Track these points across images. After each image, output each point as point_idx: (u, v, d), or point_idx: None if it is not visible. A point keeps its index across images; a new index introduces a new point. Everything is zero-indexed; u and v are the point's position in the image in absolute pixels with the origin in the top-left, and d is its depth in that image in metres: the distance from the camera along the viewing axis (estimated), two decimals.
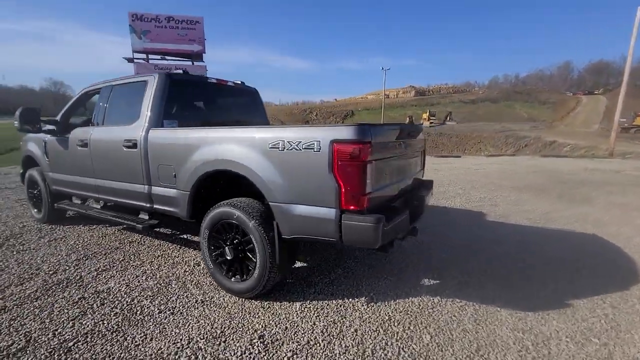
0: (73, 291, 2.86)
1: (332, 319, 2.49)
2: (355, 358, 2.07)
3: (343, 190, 2.15)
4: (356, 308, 2.65)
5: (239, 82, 4.25)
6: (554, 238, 4.41)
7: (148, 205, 3.28)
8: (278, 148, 2.36)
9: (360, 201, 2.16)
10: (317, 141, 2.20)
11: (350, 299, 2.78)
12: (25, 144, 4.74)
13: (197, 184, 2.82)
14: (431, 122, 50.26)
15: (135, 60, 23.85)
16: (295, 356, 2.08)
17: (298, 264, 3.45)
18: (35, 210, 4.80)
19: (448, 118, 56.11)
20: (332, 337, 2.27)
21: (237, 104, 4.27)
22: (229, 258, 2.73)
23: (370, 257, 3.70)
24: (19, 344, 2.17)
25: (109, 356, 2.06)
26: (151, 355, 2.07)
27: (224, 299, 2.75)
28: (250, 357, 2.06)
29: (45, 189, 4.46)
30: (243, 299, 2.74)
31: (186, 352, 2.10)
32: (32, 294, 2.79)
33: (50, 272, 3.21)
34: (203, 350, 2.13)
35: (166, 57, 25.08)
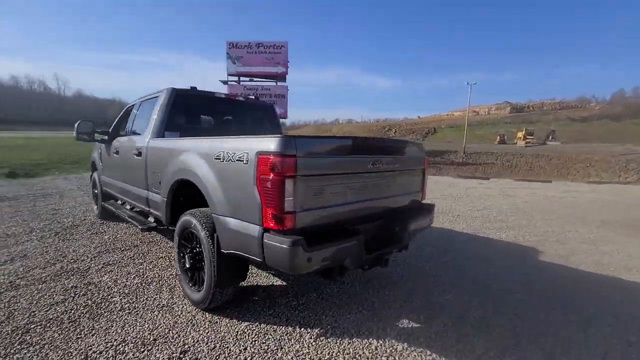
0: (73, 280, 3.23)
1: (266, 347, 2.27)
2: None
3: (264, 206, 1.97)
4: (301, 340, 2.37)
5: (252, 97, 4.39)
6: (622, 293, 3.34)
7: (147, 208, 3.56)
8: (220, 159, 2.31)
9: (281, 220, 1.95)
10: (247, 153, 2.09)
11: (302, 329, 2.51)
12: (93, 151, 5.68)
13: (171, 190, 2.95)
14: (527, 142, 44.28)
15: (229, 83, 27.14)
16: None
17: (278, 282, 3.30)
18: (95, 207, 5.68)
19: (550, 137, 48.75)
20: None
21: (249, 118, 4.40)
22: (187, 266, 2.75)
23: (357, 285, 3.32)
24: (1, 318, 2.52)
25: (50, 344, 2.24)
26: (79, 349, 2.18)
27: (183, 308, 2.77)
28: None
29: (99, 189, 5.25)
30: (198, 310, 2.72)
31: (109, 353, 2.15)
32: (43, 278, 3.25)
33: (71, 261, 3.70)
34: (124, 354, 2.15)
35: (254, 78, 27.90)
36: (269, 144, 1.95)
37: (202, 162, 2.49)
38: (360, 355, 2.23)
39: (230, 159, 2.21)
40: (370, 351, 2.28)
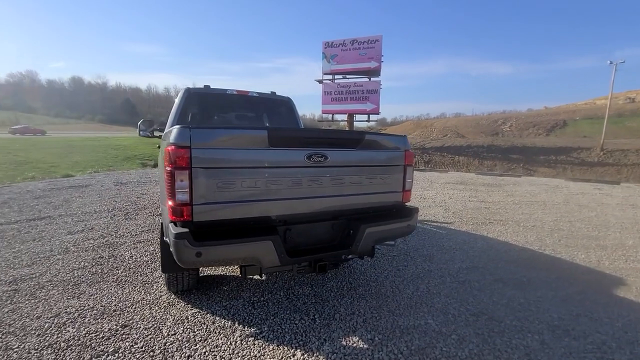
0: (106, 251, 3.89)
1: (193, 336, 2.30)
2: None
3: (167, 197, 1.98)
4: (229, 336, 2.32)
5: (268, 92, 4.45)
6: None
7: None
8: (160, 151, 2.43)
9: (178, 212, 1.93)
10: (165, 143, 2.13)
11: (240, 326, 2.45)
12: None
13: None
14: None
15: (324, 81, 28.25)
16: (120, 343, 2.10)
17: (263, 277, 3.29)
18: None
19: None
20: (169, 343, 2.13)
21: (265, 113, 4.46)
22: None
23: (341, 292, 3.05)
24: (38, 273, 3.23)
25: (45, 299, 2.76)
26: (58, 308, 2.62)
27: (161, 288, 3.03)
28: (97, 335, 2.25)
29: None
30: (170, 292, 2.93)
31: (75, 315, 2.52)
32: (88, 247, 4.00)
33: (118, 236, 4.46)
34: (83, 318, 2.48)
35: (347, 76, 28.31)
36: (171, 135, 1.95)
37: (160, 156, 2.66)
38: (273, 355, 2.05)
39: (161, 151, 2.31)
40: (290, 345, 2.07)
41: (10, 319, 2.45)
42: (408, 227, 2.65)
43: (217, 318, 2.55)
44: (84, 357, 2.06)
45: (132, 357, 2.07)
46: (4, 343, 2.18)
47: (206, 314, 2.60)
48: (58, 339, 2.22)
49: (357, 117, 31.26)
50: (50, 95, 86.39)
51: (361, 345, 2.27)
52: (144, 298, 2.82)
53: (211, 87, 4.15)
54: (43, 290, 2.90)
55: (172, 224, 1.99)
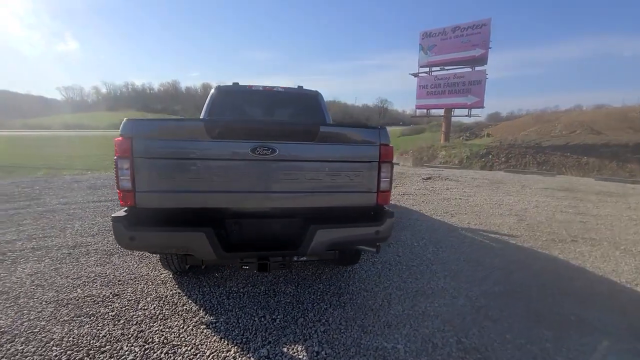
0: None
1: (155, 314, 2.48)
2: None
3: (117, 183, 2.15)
4: (185, 321, 2.42)
5: (296, 87, 4.42)
6: None
7: None
8: None
9: (123, 197, 2.09)
10: None
11: (203, 313, 2.53)
12: None
13: None
14: None
15: (419, 75, 26.76)
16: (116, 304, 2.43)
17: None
18: None
19: None
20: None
21: (291, 107, 4.44)
22: None
23: (320, 294, 2.87)
24: (91, 233, 3.97)
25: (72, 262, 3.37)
26: (71, 273, 3.17)
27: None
28: (92, 299, 2.64)
29: None
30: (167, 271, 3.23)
31: (74, 284, 3.01)
32: None
33: None
34: (87, 286, 2.95)
35: (445, 67, 26.24)
36: (120, 126, 2.11)
37: None
38: (201, 353, 2.06)
39: None
40: (218, 355, 2.05)
41: (48, 275, 3.09)
42: (377, 233, 2.28)
43: (190, 302, 2.69)
44: (71, 315, 2.45)
45: (100, 323, 2.36)
46: (30, 292, 2.76)
47: (184, 296, 2.78)
48: (66, 297, 2.70)
49: (457, 111, 28.36)
50: (187, 100, 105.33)
51: (300, 356, 2.08)
52: (150, 274, 3.18)
53: (240, 84, 4.37)
54: (86, 257, 3.55)
55: (126, 210, 2.17)
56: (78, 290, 2.83)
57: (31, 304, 2.59)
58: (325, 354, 2.12)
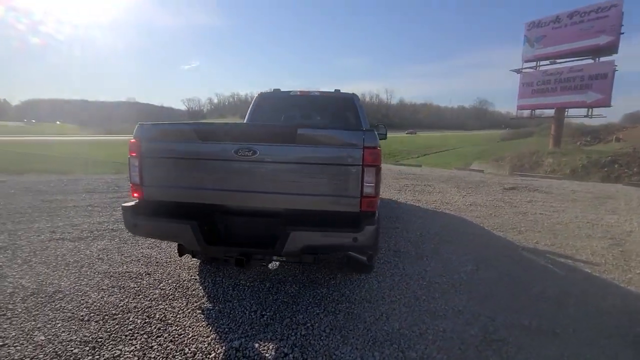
0: None
1: (175, 289, 2.81)
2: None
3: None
4: (190, 300, 2.68)
5: (332, 91, 4.43)
6: None
7: None
8: None
9: (135, 190, 2.45)
10: None
11: (206, 300, 2.77)
12: None
13: None
14: None
15: (522, 70, 23.68)
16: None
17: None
18: None
19: None
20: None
21: (327, 110, 4.46)
22: None
23: (321, 298, 2.84)
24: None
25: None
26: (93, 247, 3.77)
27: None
28: (121, 273, 3.15)
29: None
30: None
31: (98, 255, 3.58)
32: None
33: None
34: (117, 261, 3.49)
35: (557, 60, 22.72)
36: (134, 130, 2.48)
37: None
38: (185, 334, 2.26)
39: None
40: (190, 343, 2.23)
41: (110, 252, 3.78)
42: (354, 241, 2.14)
43: (200, 288, 2.96)
44: (109, 285, 2.96)
45: (124, 295, 2.79)
46: (93, 263, 3.43)
47: (197, 282, 3.07)
48: (113, 270, 3.27)
49: (572, 111, 23.95)
50: None
51: (267, 355, 2.11)
52: (182, 260, 3.59)
53: (281, 90, 4.61)
54: (144, 240, 4.22)
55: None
56: (124, 266, 3.39)
57: (88, 272, 3.22)
58: (293, 357, 2.10)
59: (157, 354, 2.09)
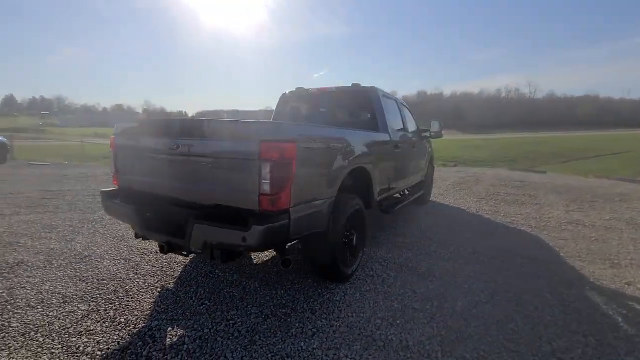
0: None
1: (176, 273, 3.22)
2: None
3: None
4: (192, 292, 3.02)
5: (350, 85, 4.13)
6: None
7: None
8: None
9: (114, 178, 2.92)
10: None
11: (194, 290, 3.06)
12: None
13: None
14: None
15: None
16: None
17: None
18: None
19: None
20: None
21: (344, 105, 4.19)
22: None
23: (296, 304, 2.76)
24: None
25: None
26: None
27: None
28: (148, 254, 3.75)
29: None
30: None
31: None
32: None
33: None
34: None
35: None
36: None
37: None
38: (128, 306, 2.57)
39: None
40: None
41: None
42: (243, 240, 1.97)
43: (179, 269, 3.28)
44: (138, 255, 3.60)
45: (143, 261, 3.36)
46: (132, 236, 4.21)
47: (182, 265, 3.40)
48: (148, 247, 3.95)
49: None
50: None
51: (169, 339, 2.20)
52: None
53: (305, 88, 4.59)
54: None
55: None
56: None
57: (132, 244, 3.98)
58: (187, 348, 2.12)
59: (101, 315, 2.45)
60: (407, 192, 5.19)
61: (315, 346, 2.17)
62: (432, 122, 5.31)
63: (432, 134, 5.31)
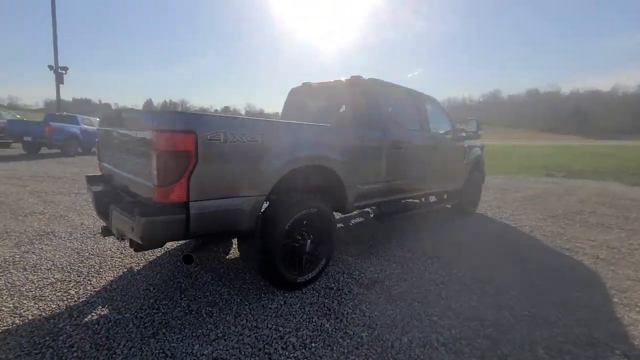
0: None
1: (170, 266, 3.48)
2: None
3: None
4: (174, 285, 3.24)
5: (349, 77, 3.74)
6: None
7: None
8: None
9: (99, 167, 3.24)
10: None
11: (177, 277, 3.25)
12: None
13: None
14: None
15: None
16: None
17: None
18: None
19: None
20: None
21: (344, 98, 3.83)
22: None
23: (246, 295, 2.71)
24: None
25: None
26: None
27: None
28: None
29: None
30: None
31: None
32: None
33: None
34: None
35: None
36: None
37: None
38: (91, 283, 2.82)
39: None
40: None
41: None
42: (132, 230, 1.92)
43: (158, 252, 3.46)
44: None
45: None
46: None
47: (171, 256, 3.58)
48: None
49: None
50: (507, 108, 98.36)
51: (89, 317, 2.32)
52: None
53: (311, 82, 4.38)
54: None
55: None
56: None
57: None
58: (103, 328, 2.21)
59: (64, 285, 2.75)
60: (430, 200, 4.51)
61: (206, 352, 2.01)
62: (469, 120, 4.51)
63: (467, 134, 4.51)
